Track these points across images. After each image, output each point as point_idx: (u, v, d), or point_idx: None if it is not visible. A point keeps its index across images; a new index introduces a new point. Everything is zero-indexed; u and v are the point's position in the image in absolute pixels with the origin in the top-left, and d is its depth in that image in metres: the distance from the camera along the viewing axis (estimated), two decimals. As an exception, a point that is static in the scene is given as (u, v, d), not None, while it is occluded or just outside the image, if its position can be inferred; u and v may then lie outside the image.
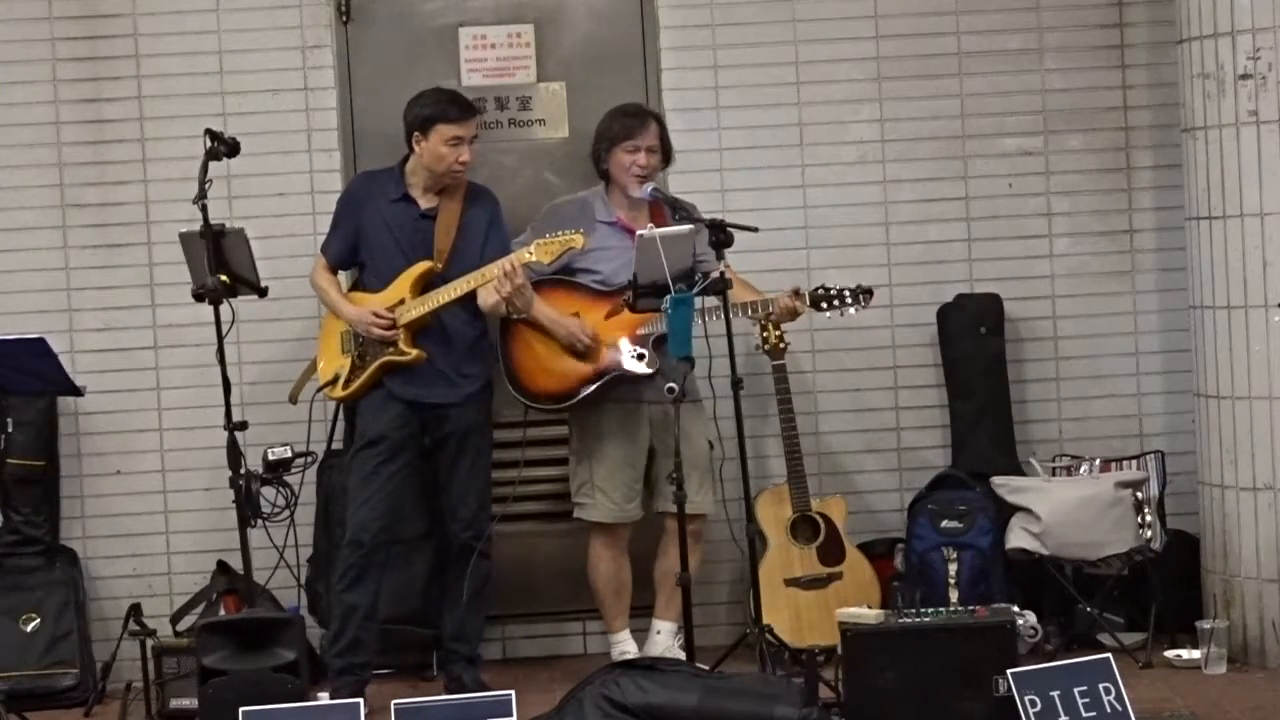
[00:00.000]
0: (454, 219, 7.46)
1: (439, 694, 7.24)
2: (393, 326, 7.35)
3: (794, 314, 7.55)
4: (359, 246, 7.52)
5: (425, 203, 7.47)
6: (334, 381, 7.51)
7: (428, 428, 7.45)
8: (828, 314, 7.55)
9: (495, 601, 7.79)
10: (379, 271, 7.47)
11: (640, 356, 7.45)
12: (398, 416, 7.41)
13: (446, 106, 7.40)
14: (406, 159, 7.50)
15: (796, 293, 7.53)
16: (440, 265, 7.39)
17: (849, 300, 7.55)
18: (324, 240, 7.62)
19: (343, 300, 7.50)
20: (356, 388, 7.45)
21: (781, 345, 7.60)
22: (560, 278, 7.56)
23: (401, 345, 7.36)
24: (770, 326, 7.57)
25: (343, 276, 7.64)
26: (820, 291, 7.54)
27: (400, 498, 7.44)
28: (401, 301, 7.37)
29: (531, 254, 7.27)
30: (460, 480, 7.46)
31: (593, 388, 7.50)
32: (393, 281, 7.41)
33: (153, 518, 8.13)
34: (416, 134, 7.40)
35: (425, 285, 7.38)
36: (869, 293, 7.56)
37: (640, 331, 7.43)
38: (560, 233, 7.29)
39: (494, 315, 7.53)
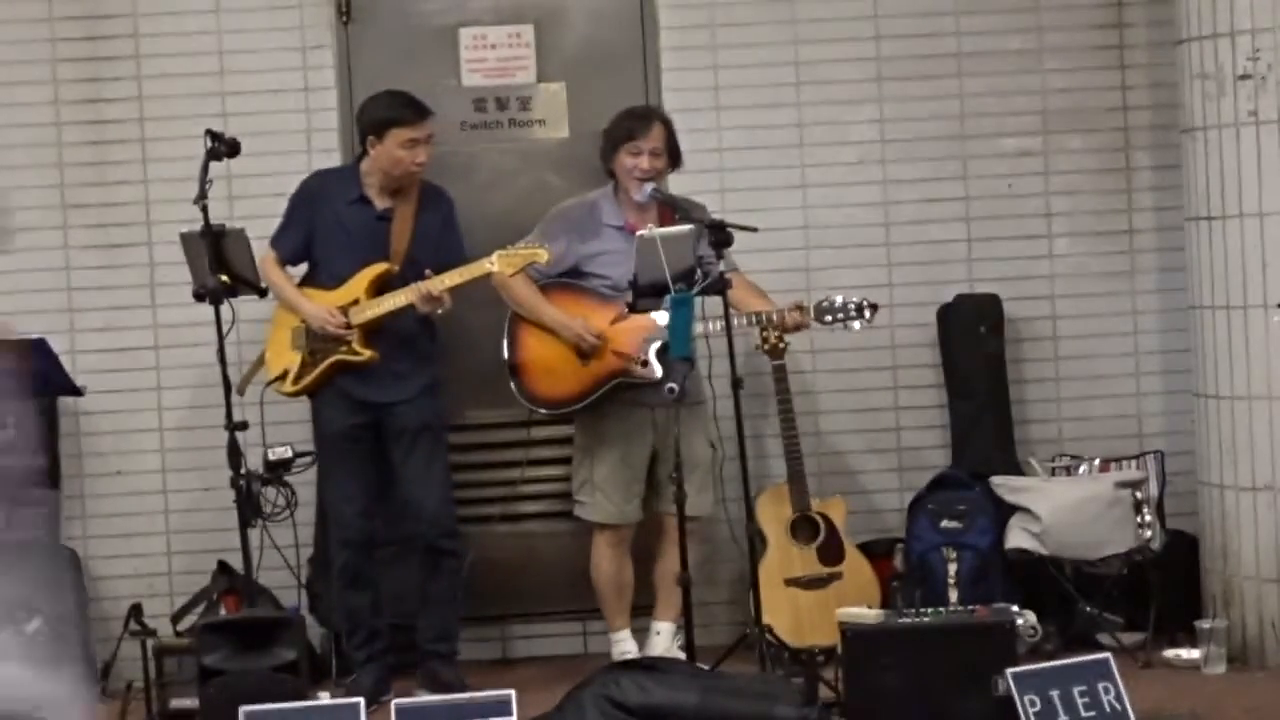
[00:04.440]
0: (409, 221, 7.48)
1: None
2: (348, 326, 7.38)
3: (797, 327, 7.54)
4: (312, 244, 7.53)
5: (381, 203, 7.49)
6: (283, 377, 7.52)
7: (378, 426, 7.47)
8: (831, 328, 7.55)
9: (482, 601, 7.81)
10: (332, 270, 7.48)
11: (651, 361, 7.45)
12: (351, 412, 7.44)
13: (401, 109, 7.42)
14: (360, 159, 7.51)
15: (800, 307, 7.52)
16: (396, 267, 7.41)
17: (853, 315, 7.53)
18: (274, 235, 7.59)
19: (300, 296, 7.51)
20: (307, 384, 7.47)
21: (781, 345, 7.60)
22: (567, 281, 7.56)
23: (355, 345, 7.38)
24: (769, 327, 7.56)
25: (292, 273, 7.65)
26: (825, 304, 7.53)
27: (374, 483, 7.46)
28: (355, 302, 7.39)
29: (493, 264, 7.27)
30: (417, 479, 7.47)
31: (598, 393, 7.50)
32: (346, 281, 7.43)
33: (153, 518, 8.13)
34: (371, 137, 7.42)
35: (381, 287, 7.40)
36: (874, 308, 7.55)
37: (647, 338, 7.42)
38: (523, 245, 7.33)
39: (510, 310, 7.56)
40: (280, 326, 7.57)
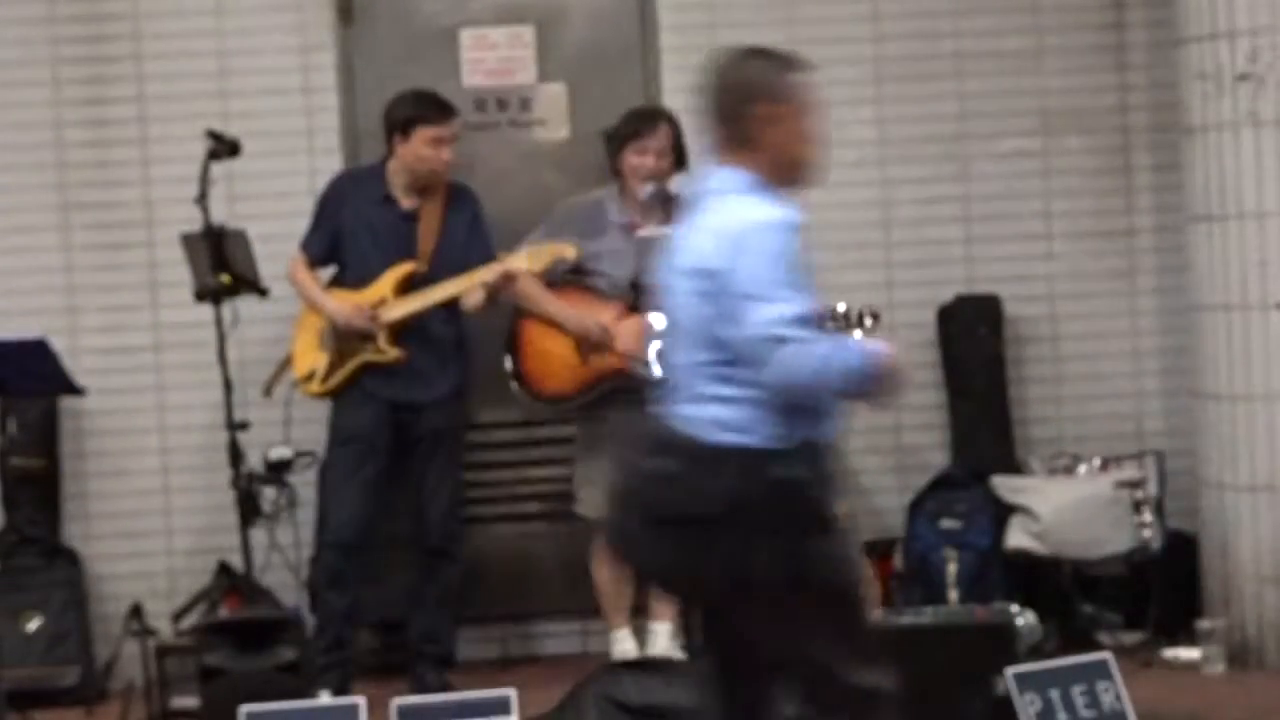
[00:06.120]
0: (436, 220, 7.49)
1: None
2: (375, 320, 7.39)
3: None
4: (339, 245, 7.53)
5: (407, 203, 7.49)
6: (310, 377, 7.52)
7: (402, 427, 7.47)
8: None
9: (482, 601, 7.82)
10: (359, 271, 7.48)
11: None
12: (374, 415, 7.42)
13: (426, 108, 7.43)
14: (387, 159, 7.52)
15: None
16: (424, 266, 7.42)
17: (854, 323, 7.53)
18: (304, 238, 7.60)
19: (326, 295, 7.51)
20: (334, 384, 7.46)
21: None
22: (571, 278, 7.57)
23: (382, 344, 7.38)
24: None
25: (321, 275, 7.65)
26: (825, 310, 7.53)
27: (378, 497, 7.45)
28: (383, 301, 7.39)
29: (523, 261, 7.29)
30: (431, 482, 7.48)
31: (598, 390, 7.51)
32: (374, 281, 7.43)
33: (154, 517, 8.13)
34: (397, 135, 7.43)
35: (408, 286, 7.40)
36: (875, 316, 7.55)
37: (649, 338, 7.43)
38: (552, 242, 7.34)
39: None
40: (306, 328, 7.56)
